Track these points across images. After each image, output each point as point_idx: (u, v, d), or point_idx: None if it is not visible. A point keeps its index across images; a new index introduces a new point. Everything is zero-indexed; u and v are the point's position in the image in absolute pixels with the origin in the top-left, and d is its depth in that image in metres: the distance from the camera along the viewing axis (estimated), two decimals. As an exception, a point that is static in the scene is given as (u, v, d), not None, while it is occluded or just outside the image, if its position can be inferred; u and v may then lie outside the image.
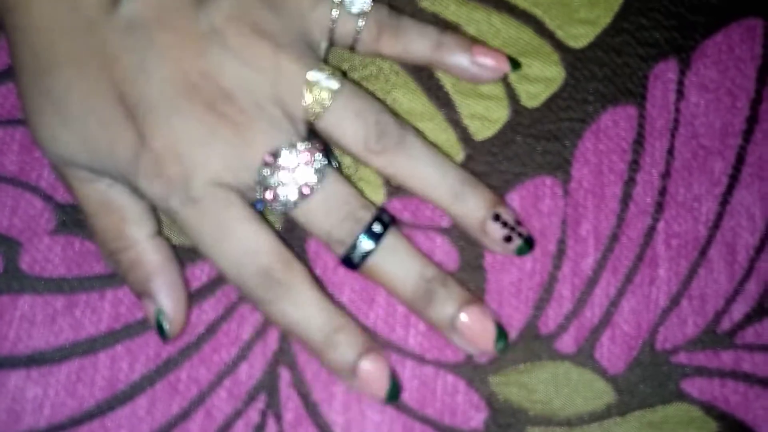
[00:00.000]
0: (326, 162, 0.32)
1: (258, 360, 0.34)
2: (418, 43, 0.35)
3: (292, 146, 0.31)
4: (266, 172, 0.31)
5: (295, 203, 0.31)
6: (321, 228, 0.32)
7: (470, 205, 0.33)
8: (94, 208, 0.33)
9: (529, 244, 0.34)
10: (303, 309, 0.31)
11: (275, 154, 0.31)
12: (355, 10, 0.33)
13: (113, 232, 0.33)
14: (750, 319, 0.34)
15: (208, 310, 0.35)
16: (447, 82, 0.36)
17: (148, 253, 0.33)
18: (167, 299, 0.33)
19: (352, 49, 0.35)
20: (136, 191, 0.32)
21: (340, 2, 0.33)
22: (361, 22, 0.34)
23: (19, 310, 0.34)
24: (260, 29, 0.32)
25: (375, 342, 0.33)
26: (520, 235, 0.33)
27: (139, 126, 0.30)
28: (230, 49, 0.31)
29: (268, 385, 0.34)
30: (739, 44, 0.37)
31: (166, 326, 0.33)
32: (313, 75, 0.32)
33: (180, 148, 0.31)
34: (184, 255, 0.35)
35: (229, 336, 0.34)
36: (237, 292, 0.35)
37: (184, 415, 0.33)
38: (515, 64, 0.35)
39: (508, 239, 0.33)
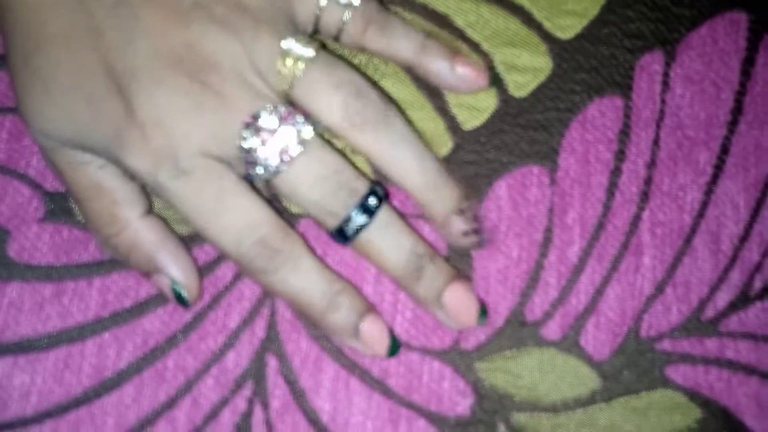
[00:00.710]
0: (309, 127, 0.31)
1: (245, 348, 0.34)
2: (402, 42, 0.35)
3: (273, 110, 0.31)
4: (246, 134, 0.31)
5: (277, 168, 0.31)
6: (308, 198, 0.32)
7: (440, 196, 0.33)
8: (85, 194, 0.33)
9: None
10: (305, 275, 0.32)
11: (255, 117, 0.31)
12: (343, 0, 0.34)
13: (106, 217, 0.33)
14: (734, 307, 0.35)
15: (196, 298, 0.35)
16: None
17: (143, 232, 0.33)
18: (176, 269, 0.33)
19: (336, 39, 0.35)
20: (125, 173, 0.32)
21: None
22: (347, 14, 0.34)
23: (6, 297, 0.34)
24: (244, 5, 0.32)
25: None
26: (476, 232, 0.34)
27: (125, 99, 0.30)
28: (214, 21, 0.31)
29: (255, 373, 0.34)
30: (724, 37, 0.37)
31: (185, 294, 0.33)
32: (286, 43, 0.32)
33: (165, 119, 0.30)
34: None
35: (216, 324, 0.34)
36: (224, 281, 0.35)
37: (171, 403, 0.33)
38: (495, 81, 0.36)
39: (466, 234, 0.33)
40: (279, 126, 0.31)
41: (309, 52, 0.32)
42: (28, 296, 0.34)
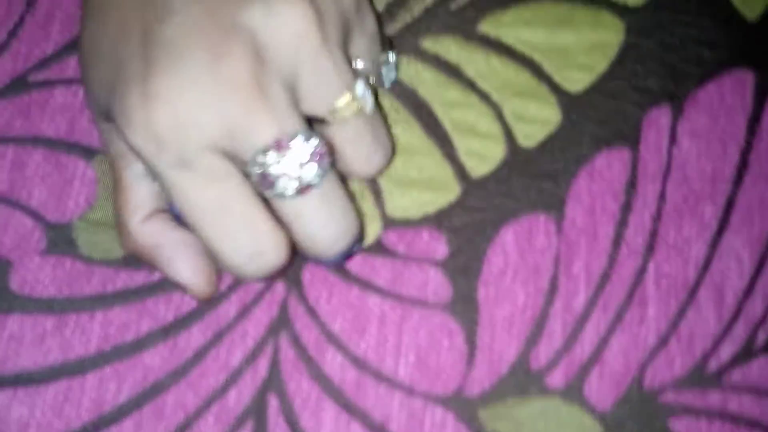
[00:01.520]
0: (333, 169, 0.30)
1: (247, 386, 0.34)
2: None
3: (308, 138, 0.28)
4: (271, 156, 0.28)
5: (289, 197, 0.29)
6: (305, 229, 0.30)
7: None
8: (113, 180, 0.33)
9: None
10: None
11: (287, 139, 0.28)
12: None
13: (117, 217, 0.33)
14: (737, 360, 0.35)
15: (197, 334, 0.34)
16: (445, 120, 0.37)
17: (142, 237, 0.32)
18: (179, 272, 0.33)
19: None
20: (147, 170, 0.31)
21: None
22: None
23: (7, 329, 0.34)
24: (317, 5, 0.29)
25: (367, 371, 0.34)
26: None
27: (146, 64, 0.27)
28: (278, 14, 0.28)
29: (256, 412, 0.33)
30: (731, 94, 0.38)
31: (194, 294, 0.33)
32: (360, 87, 0.30)
33: (178, 100, 0.27)
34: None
35: (218, 362, 0.34)
36: (226, 319, 0.34)
37: (170, 440, 0.33)
38: None
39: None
40: (308, 161, 0.28)
41: (369, 104, 0.31)
42: (29, 328, 0.34)
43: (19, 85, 0.37)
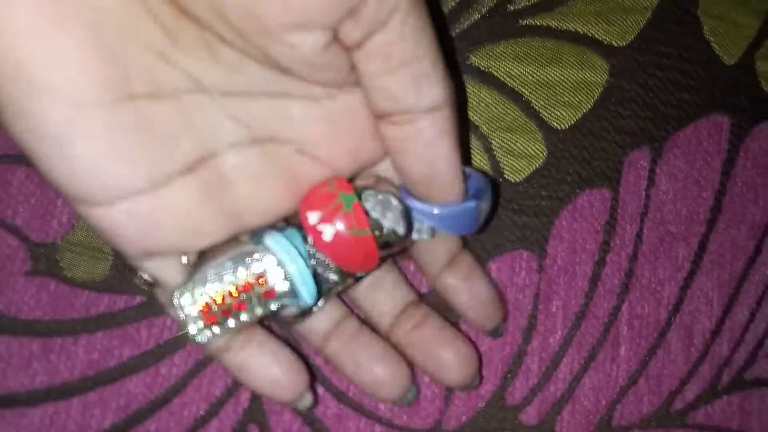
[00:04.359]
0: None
1: (228, 417, 0.34)
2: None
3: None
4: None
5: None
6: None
7: None
8: None
9: None
10: None
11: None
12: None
13: None
14: (702, 400, 0.36)
15: (179, 363, 0.35)
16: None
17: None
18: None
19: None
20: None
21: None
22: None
23: (-6, 351, 0.34)
24: None
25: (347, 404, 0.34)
26: None
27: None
28: None
29: (237, 441, 0.34)
30: (707, 138, 0.39)
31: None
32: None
33: None
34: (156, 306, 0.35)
35: (200, 391, 0.34)
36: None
37: (151, 465, 0.34)
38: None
39: None
40: None
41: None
42: (16, 350, 0.34)
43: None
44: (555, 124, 0.38)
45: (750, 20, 0.41)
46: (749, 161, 0.39)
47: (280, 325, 0.34)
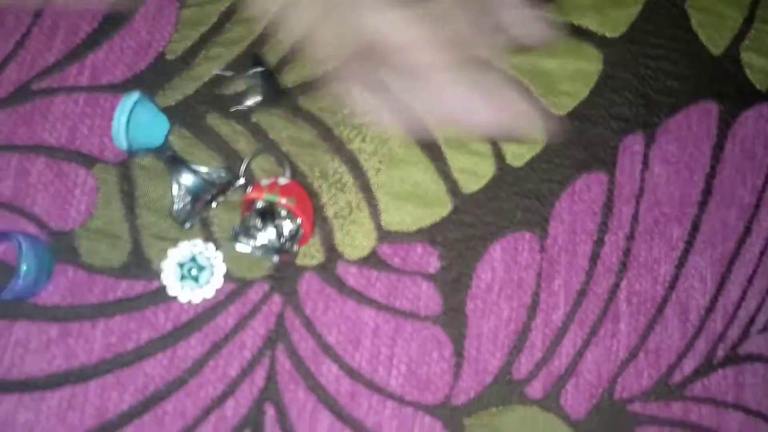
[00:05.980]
0: None
1: (244, 396, 0.35)
2: None
3: None
4: None
5: None
6: None
7: None
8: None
9: None
10: None
11: None
12: None
13: None
14: (698, 373, 0.38)
15: (195, 345, 0.35)
16: (440, 137, 0.39)
17: None
18: None
19: None
20: None
21: None
22: None
23: (14, 335, 0.34)
24: None
25: (360, 381, 0.35)
26: None
27: None
28: None
29: (253, 422, 0.35)
30: (697, 124, 0.41)
31: None
32: None
33: None
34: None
35: (216, 372, 0.35)
36: (224, 329, 0.36)
37: (169, 446, 0.34)
38: None
39: None
40: None
41: None
42: (34, 336, 0.34)
43: (22, 92, 0.37)
44: (554, 110, 0.40)
45: (734, 12, 0.43)
46: (737, 146, 0.41)
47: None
